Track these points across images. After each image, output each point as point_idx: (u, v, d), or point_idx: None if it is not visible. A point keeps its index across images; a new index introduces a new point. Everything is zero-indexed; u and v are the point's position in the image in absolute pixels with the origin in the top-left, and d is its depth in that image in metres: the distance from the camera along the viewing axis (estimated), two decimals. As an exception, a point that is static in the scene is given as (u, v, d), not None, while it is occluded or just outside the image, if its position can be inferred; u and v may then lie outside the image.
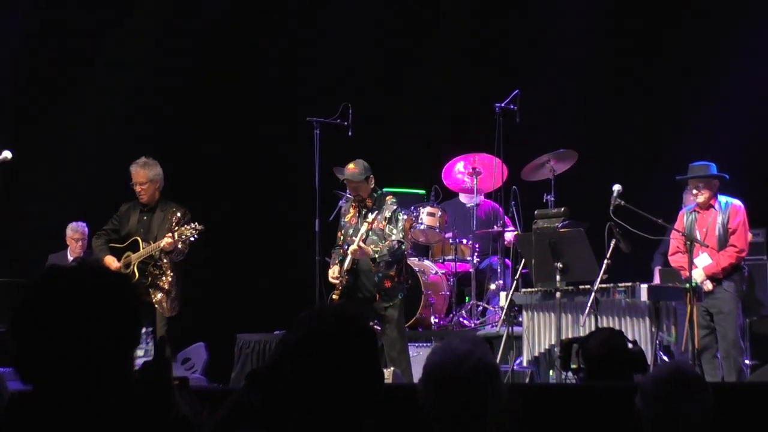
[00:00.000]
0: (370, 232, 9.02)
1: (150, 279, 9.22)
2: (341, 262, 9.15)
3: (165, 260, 9.27)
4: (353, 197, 9.33)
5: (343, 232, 9.36)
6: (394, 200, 9.30)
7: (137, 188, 9.34)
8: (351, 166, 9.19)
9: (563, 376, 7.01)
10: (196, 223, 9.12)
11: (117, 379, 2.44)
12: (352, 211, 9.34)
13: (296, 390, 2.70)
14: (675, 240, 9.41)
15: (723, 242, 9.23)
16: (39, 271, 2.57)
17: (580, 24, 12.55)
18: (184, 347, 11.07)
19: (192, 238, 9.10)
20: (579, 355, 6.12)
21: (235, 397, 3.02)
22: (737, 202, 9.39)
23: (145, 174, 9.34)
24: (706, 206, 9.36)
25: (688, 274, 8.99)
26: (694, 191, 9.36)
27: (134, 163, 9.40)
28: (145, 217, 9.41)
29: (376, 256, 9.02)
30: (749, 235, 10.09)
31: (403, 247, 9.29)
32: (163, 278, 9.27)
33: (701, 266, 9.15)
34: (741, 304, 9.35)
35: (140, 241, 9.28)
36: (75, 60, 12.17)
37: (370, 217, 9.03)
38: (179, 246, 9.14)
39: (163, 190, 9.48)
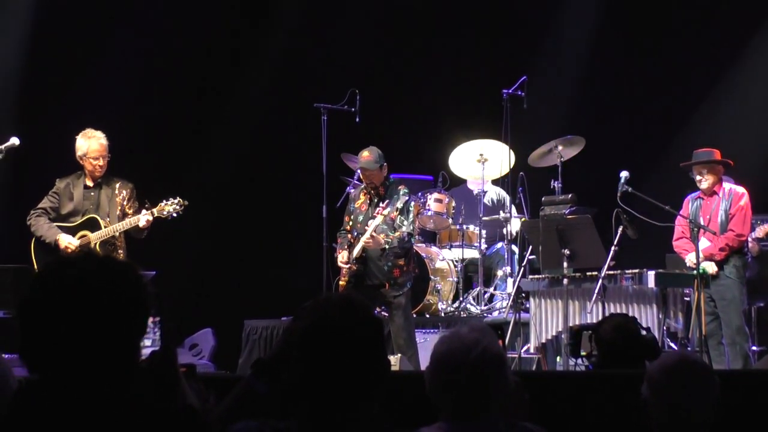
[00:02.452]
0: (382, 226, 9.03)
1: None
2: (350, 248, 9.16)
3: (120, 239, 8.93)
4: (366, 184, 9.31)
5: (352, 217, 9.35)
6: (407, 191, 9.27)
7: (101, 162, 8.87)
8: (366, 153, 9.18)
9: (573, 363, 7.02)
10: (180, 199, 8.83)
11: (124, 368, 2.44)
12: (362, 197, 9.33)
13: (302, 378, 2.71)
14: (680, 226, 9.41)
15: (725, 229, 9.24)
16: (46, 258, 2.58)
17: (589, 10, 12.51)
18: (191, 333, 11.10)
19: (175, 215, 8.81)
20: (592, 340, 6.13)
21: (240, 385, 3.02)
22: (740, 189, 9.39)
23: (106, 147, 8.92)
24: (710, 193, 9.36)
25: (693, 259, 9.00)
26: (698, 177, 9.36)
27: (91, 137, 8.94)
28: (92, 193, 8.96)
29: (387, 246, 9.03)
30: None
31: (413, 239, 9.30)
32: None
33: (700, 249, 9.15)
34: (745, 290, 9.35)
35: (99, 219, 8.85)
36: (82, 46, 12.15)
37: (382, 206, 9.02)
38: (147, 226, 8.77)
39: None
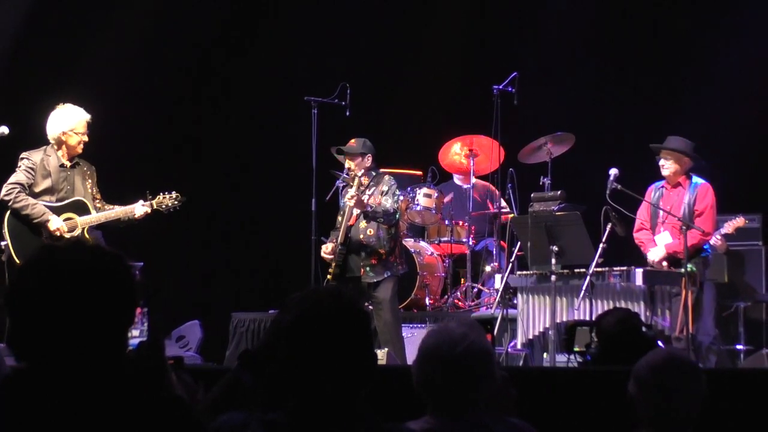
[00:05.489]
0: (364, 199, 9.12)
1: None
2: (335, 241, 9.22)
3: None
4: (349, 172, 9.34)
5: (343, 212, 9.39)
6: (392, 177, 9.40)
7: (84, 139, 8.50)
8: (352, 141, 9.35)
9: (566, 359, 7.01)
10: (178, 194, 8.63)
11: (111, 358, 2.44)
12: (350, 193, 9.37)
13: (289, 371, 2.71)
14: (639, 219, 9.31)
15: (687, 222, 9.06)
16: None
17: (579, 6, 12.52)
18: (178, 325, 11.08)
19: (172, 210, 8.61)
20: (593, 332, 6.14)
21: (227, 377, 3.02)
22: (706, 183, 9.28)
23: (87, 123, 8.55)
24: (674, 183, 9.23)
25: (655, 257, 8.97)
26: (662, 162, 9.24)
27: (78, 110, 8.56)
28: (68, 173, 8.50)
29: (369, 210, 9.07)
30: (742, 220, 10.10)
31: (397, 216, 9.31)
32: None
33: (662, 244, 9.08)
34: (711, 289, 9.29)
35: (89, 204, 8.48)
36: (73, 34, 12.11)
37: (368, 194, 9.11)
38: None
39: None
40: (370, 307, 9.14)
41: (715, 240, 10.23)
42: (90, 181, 8.59)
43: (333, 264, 9.19)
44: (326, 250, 9.25)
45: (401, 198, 9.60)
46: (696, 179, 9.26)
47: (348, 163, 9.32)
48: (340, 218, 9.42)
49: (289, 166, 11.85)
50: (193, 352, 10.68)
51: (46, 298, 2.41)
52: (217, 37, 12.66)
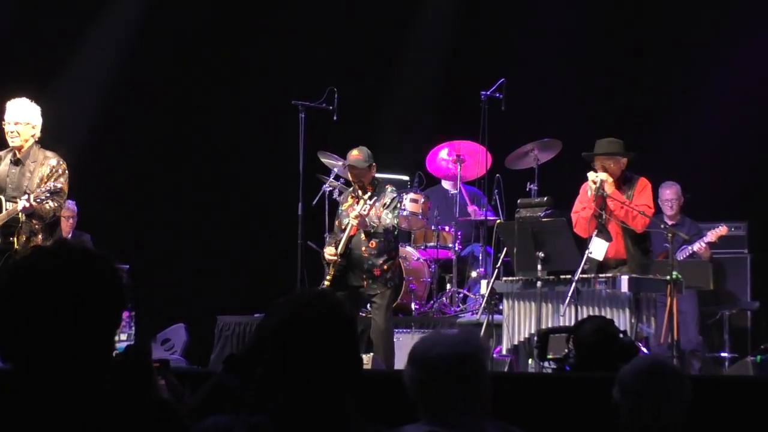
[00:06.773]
0: (368, 219, 9.06)
1: (17, 246, 7.93)
2: (336, 244, 9.19)
3: (34, 222, 8.04)
4: (354, 183, 9.32)
5: (340, 220, 9.39)
6: (394, 189, 9.41)
7: (11, 128, 8.09)
8: (355, 152, 9.21)
9: (541, 365, 7.02)
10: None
11: (97, 361, 2.43)
12: (350, 200, 9.35)
13: (274, 374, 2.71)
14: (581, 208, 9.05)
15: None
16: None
17: (568, 13, 12.54)
18: (164, 328, 11.07)
19: (51, 204, 7.97)
20: (569, 342, 6.13)
21: (212, 381, 3.02)
22: (643, 177, 9.09)
23: (22, 113, 8.12)
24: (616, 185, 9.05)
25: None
26: (601, 167, 9.04)
27: (10, 102, 8.17)
28: (13, 170, 8.13)
29: (372, 230, 9.07)
30: (724, 229, 10.15)
31: (396, 232, 9.33)
32: (35, 243, 7.89)
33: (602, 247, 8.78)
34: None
35: (3, 200, 8.02)
36: (61, 31, 12.09)
37: (370, 203, 9.08)
38: (41, 208, 7.94)
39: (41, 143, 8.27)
40: (369, 315, 9.19)
41: (699, 247, 10.30)
42: (41, 175, 8.11)
43: (331, 272, 9.17)
44: (330, 252, 9.20)
45: (400, 214, 9.61)
46: (631, 175, 9.08)
47: (353, 177, 9.27)
48: (337, 223, 9.40)
49: (276, 170, 11.85)
50: (179, 355, 10.67)
51: (33, 300, 2.40)
52: (205, 40, 12.66)
